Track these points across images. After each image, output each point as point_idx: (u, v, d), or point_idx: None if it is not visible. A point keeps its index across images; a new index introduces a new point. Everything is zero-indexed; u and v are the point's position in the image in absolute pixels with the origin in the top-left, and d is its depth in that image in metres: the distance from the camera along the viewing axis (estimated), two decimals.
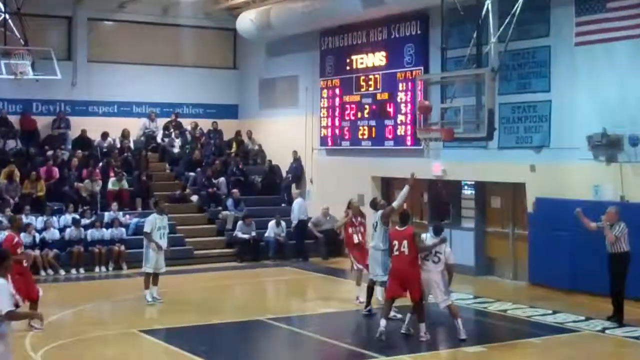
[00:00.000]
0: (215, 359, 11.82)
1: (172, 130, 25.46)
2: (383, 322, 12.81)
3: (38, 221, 20.15)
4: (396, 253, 12.90)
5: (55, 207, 21.11)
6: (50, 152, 23.05)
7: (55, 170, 22.20)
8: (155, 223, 15.91)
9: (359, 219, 16.05)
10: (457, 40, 18.40)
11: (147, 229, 15.95)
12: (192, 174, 24.04)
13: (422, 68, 20.17)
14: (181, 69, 26.12)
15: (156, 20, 25.79)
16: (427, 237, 13.03)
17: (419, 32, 20.36)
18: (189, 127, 25.91)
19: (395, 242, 12.88)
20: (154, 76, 25.69)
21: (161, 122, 25.63)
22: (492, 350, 12.45)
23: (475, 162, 18.87)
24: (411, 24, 20.54)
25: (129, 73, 25.25)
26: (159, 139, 25.32)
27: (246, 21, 24.41)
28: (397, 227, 13.25)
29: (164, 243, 15.98)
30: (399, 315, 13.78)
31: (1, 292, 8.10)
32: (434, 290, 12.83)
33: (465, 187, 19.87)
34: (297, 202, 22.78)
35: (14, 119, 23.76)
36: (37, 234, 19.69)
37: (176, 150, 25.09)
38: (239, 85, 27.04)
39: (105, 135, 24.35)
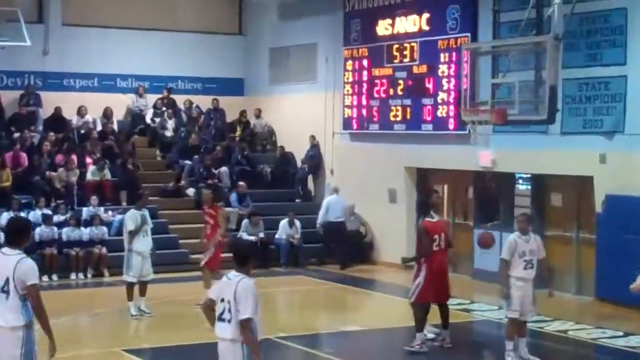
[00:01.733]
0: None
1: (163, 109, 25.58)
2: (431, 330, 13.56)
3: (2, 217, 20.30)
4: (436, 248, 13.46)
5: (24, 201, 21.24)
6: (17, 134, 23.21)
7: (24, 156, 22.35)
8: (138, 220, 16.04)
9: (207, 209, 17.19)
10: (512, 1, 18.38)
11: (130, 227, 16.07)
12: (188, 162, 24.16)
13: (469, 35, 20.15)
14: (175, 34, 26.20)
15: None
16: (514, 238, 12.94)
17: None
18: (183, 106, 26.02)
19: (436, 236, 13.48)
20: (142, 43, 25.82)
21: (151, 99, 25.75)
22: None
23: (532, 150, 18.84)
24: None
25: (112, 39, 25.35)
26: (148, 120, 25.44)
27: None
28: (430, 219, 13.64)
29: (148, 243, 16.12)
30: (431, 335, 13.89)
31: (250, 294, 8.37)
32: None
33: (520, 182, 19.84)
34: (327, 200, 22.77)
35: None
36: (0, 233, 19.84)
37: (169, 133, 25.20)
38: (245, 55, 27.10)
39: (81, 112, 24.48)
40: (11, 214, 20.38)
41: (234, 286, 8.45)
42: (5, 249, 8.80)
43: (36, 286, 8.69)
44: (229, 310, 8.43)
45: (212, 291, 8.80)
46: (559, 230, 19.17)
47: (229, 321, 8.45)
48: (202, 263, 16.93)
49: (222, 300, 8.49)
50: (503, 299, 13.01)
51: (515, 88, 17.03)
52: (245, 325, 8.35)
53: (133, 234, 15.97)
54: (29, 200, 21.40)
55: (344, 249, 22.32)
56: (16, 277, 8.58)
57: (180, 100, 26.08)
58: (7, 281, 8.58)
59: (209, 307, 8.72)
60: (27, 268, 8.63)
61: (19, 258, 8.63)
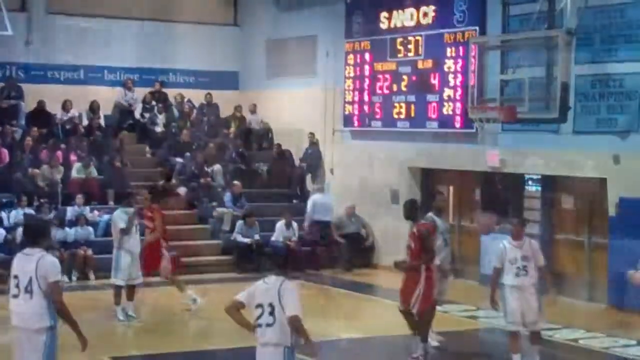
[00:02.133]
0: None
1: (153, 103, 25.71)
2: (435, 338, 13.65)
3: None
4: None
5: (4, 200, 21.37)
6: None
7: (5, 151, 22.49)
8: (130, 217, 16.28)
9: (145, 212, 16.95)
10: None
11: (121, 225, 16.25)
12: (179, 159, 24.31)
13: (477, 28, 20.25)
14: (167, 25, 26.32)
15: None
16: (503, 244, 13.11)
17: None
18: (174, 100, 26.16)
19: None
20: (131, 34, 25.94)
21: (140, 93, 25.85)
22: None
23: (542, 150, 18.99)
24: None
25: (99, 29, 25.46)
26: (137, 115, 25.57)
27: None
28: (425, 221, 14.06)
29: (137, 243, 16.32)
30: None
31: (295, 293, 8.87)
32: None
33: (529, 183, 19.99)
34: (313, 199, 23.01)
35: None
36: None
37: (159, 129, 25.33)
38: (241, 47, 27.23)
39: (66, 106, 24.56)
40: None
41: (276, 289, 8.84)
42: (27, 250, 9.18)
43: (58, 283, 9.10)
44: (270, 314, 8.82)
45: (241, 295, 9.12)
46: (571, 234, 19.32)
47: (270, 324, 8.83)
48: (166, 276, 17.00)
49: (260, 305, 8.89)
50: (492, 308, 13.18)
51: (525, 84, 17.20)
52: (296, 323, 8.74)
53: (124, 232, 16.15)
54: (10, 199, 21.50)
55: (330, 251, 22.61)
56: (39, 275, 8.94)
57: (171, 94, 26.22)
58: (30, 281, 8.95)
59: (235, 308, 9.10)
60: (48, 264, 9.01)
61: (40, 255, 9.02)
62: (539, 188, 19.82)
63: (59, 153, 22.90)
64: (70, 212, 21.59)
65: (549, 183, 19.64)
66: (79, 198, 21.78)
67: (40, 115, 24.35)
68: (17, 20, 23.45)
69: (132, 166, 23.89)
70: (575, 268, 19.08)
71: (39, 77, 25.11)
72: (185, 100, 26.20)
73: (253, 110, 26.47)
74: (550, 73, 17.25)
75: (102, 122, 24.98)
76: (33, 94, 24.57)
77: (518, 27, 18.62)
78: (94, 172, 22.76)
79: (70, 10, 25.35)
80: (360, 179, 23.01)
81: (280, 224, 22.55)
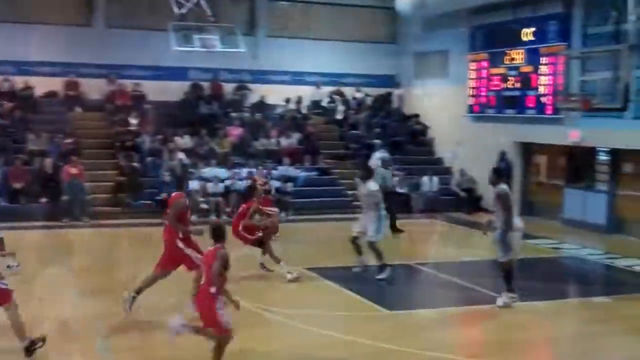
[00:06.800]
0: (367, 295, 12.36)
1: (336, 97, 25.95)
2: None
3: (222, 172, 21.31)
4: None
5: (238, 162, 22.07)
6: (234, 114, 24.12)
7: (239, 129, 23.30)
8: None
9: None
10: (597, 18, 17.99)
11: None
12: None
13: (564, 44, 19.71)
14: (346, 44, 26.39)
15: (326, 0, 26.24)
16: None
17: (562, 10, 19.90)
18: (358, 95, 26.13)
19: None
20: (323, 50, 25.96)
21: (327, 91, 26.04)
22: (616, 302, 12.33)
23: (610, 130, 18.42)
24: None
25: (302, 47, 25.74)
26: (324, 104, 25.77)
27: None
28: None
29: None
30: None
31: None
32: None
33: (600, 154, 19.44)
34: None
35: (206, 85, 24.93)
36: (221, 184, 20.87)
37: (339, 116, 25.46)
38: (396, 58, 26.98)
39: (287, 101, 25.16)
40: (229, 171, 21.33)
41: None
42: None
43: None
44: None
45: None
46: (630, 190, 18.71)
47: None
48: None
49: None
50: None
51: (598, 84, 16.79)
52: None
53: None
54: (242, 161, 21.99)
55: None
56: None
57: (348, 92, 26.21)
58: None
59: None
60: None
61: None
62: (607, 157, 19.23)
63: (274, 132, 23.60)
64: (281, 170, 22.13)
65: (615, 154, 19.03)
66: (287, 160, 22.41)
67: (261, 105, 25.02)
68: (247, 41, 23.94)
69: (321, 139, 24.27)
70: (634, 214, 18.49)
71: (261, 79, 25.65)
72: (359, 95, 26.28)
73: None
74: (616, 76, 16.75)
75: (304, 110, 25.41)
76: (257, 91, 25.21)
77: (594, 42, 18.14)
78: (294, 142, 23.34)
79: (284, 34, 25.77)
80: (477, 149, 22.74)
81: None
